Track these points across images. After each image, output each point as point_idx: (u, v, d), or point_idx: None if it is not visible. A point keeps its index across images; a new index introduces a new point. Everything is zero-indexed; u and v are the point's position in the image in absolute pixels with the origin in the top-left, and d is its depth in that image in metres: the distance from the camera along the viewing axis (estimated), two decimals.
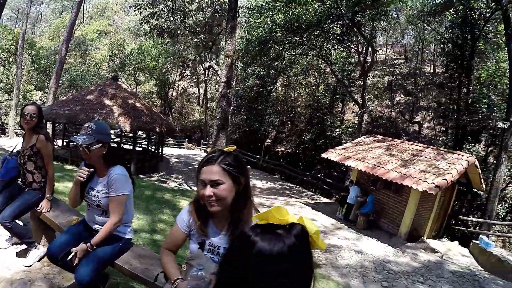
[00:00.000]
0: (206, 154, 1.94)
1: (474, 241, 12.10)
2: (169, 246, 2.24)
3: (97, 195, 2.81)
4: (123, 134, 22.64)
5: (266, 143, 32.45)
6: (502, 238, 17.62)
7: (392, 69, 36.40)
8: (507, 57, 16.36)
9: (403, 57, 42.74)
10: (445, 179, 10.21)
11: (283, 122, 33.90)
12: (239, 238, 1.01)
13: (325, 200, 18.07)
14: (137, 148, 22.10)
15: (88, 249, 2.69)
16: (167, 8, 23.66)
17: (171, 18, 23.84)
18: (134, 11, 24.36)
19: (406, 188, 11.00)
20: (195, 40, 25.22)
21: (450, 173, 10.59)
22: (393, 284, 7.33)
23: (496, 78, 19.98)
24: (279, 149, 33.23)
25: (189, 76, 47.08)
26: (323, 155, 14.98)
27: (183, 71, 40.06)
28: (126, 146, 22.99)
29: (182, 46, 32.84)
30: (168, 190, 12.90)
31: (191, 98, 46.04)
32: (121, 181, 2.78)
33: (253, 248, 0.91)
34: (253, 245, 0.92)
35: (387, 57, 42.27)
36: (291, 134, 33.04)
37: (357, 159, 13.22)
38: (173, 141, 36.42)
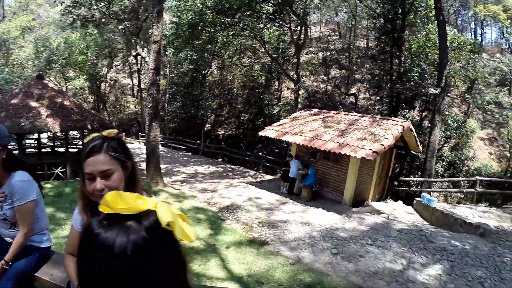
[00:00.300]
0: (84, 143, 1.69)
1: (417, 198, 12.55)
2: (69, 250, 2.09)
3: (0, 208, 2.52)
4: (55, 136, 21.20)
5: (206, 128, 32.00)
6: (444, 193, 18.65)
7: (326, 45, 36.87)
8: (436, 29, 17.08)
9: (337, 33, 43.54)
10: (381, 145, 10.48)
11: (221, 105, 33.61)
12: (85, 230, 0.88)
13: (268, 177, 18.13)
14: (72, 150, 20.87)
15: (4, 266, 2.43)
16: None
17: (95, 6, 22.32)
18: (55, 1, 22.54)
19: (345, 156, 11.19)
20: (120, 27, 23.89)
21: (386, 138, 10.87)
22: (343, 250, 7.40)
23: (426, 48, 20.96)
24: (220, 133, 32.97)
25: (121, 67, 45.18)
26: (261, 133, 14.96)
27: (112, 62, 38.07)
28: (60, 149, 21.45)
29: (110, 36, 31.13)
30: None
31: (125, 90, 44.33)
32: (24, 187, 2.50)
33: (95, 240, 0.80)
34: (95, 237, 0.80)
35: (321, 34, 42.81)
36: (230, 116, 32.85)
37: (294, 134, 13.28)
38: None
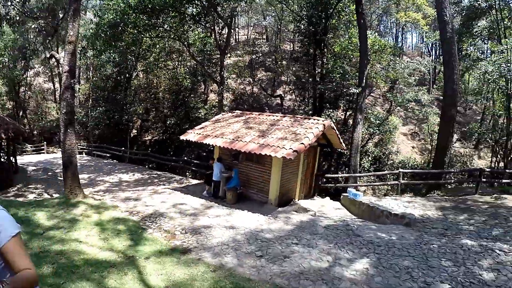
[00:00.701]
0: None
1: (343, 194, 12.78)
2: None
3: None
4: None
5: (132, 134, 30.96)
6: (372, 187, 19.38)
7: (253, 49, 37.07)
8: (358, 32, 17.71)
9: (265, 37, 43.98)
10: (302, 143, 10.56)
11: (147, 110, 32.74)
12: None
13: (194, 181, 17.82)
14: None
15: None
16: None
17: (9, 3, 20.57)
18: None
19: (267, 157, 11.14)
20: (33, 26, 22.26)
21: (307, 137, 10.96)
22: (267, 252, 7.22)
23: (349, 51, 21.78)
24: (147, 138, 32.04)
25: (42, 70, 42.37)
26: (182, 137, 14.61)
27: (28, 64, 35.35)
28: None
29: (26, 36, 28.97)
30: (23, 204, 11.31)
31: (46, 95, 41.61)
32: None
33: None
34: None
35: (248, 38, 43.03)
36: (157, 121, 32.07)
37: (215, 136, 13.12)
38: (31, 147, 32.62)
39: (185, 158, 22.84)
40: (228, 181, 12.84)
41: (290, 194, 12.80)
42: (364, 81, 16.62)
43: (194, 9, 20.67)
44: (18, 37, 29.76)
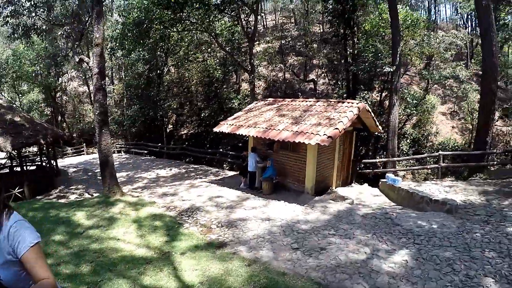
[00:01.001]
0: None
1: (382, 180, 12.33)
2: None
3: None
4: (13, 155, 20.09)
5: (168, 129, 31.35)
6: (411, 171, 18.66)
7: (281, 33, 36.55)
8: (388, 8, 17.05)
9: (293, 20, 43.21)
10: (336, 129, 10.20)
11: (182, 104, 32.99)
12: None
13: (231, 173, 17.76)
14: (31, 167, 20.13)
15: None
16: (29, 2, 21.05)
17: (33, 14, 21.23)
18: None
19: (302, 144, 10.79)
20: (59, 33, 22.89)
21: (342, 121, 10.59)
22: (303, 244, 7.05)
23: (380, 28, 20.83)
24: (183, 132, 32.29)
25: (76, 74, 43.64)
26: (215, 129, 14.46)
27: (60, 70, 36.44)
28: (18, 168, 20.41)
29: (56, 43, 29.88)
30: (64, 205, 11.64)
31: (82, 98, 42.84)
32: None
33: None
34: None
35: (276, 23, 42.48)
36: (191, 115, 32.25)
37: (248, 126, 12.86)
38: (71, 149, 33.70)
39: (221, 150, 22.85)
40: (264, 171, 12.66)
41: (327, 182, 12.49)
42: (398, 59, 15.90)
43: None
44: (47, 45, 30.76)
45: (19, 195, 14.79)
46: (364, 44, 20.99)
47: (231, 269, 6.00)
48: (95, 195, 13.57)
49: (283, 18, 44.43)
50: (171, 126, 33.32)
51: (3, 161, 21.15)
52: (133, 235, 8.10)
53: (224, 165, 23.23)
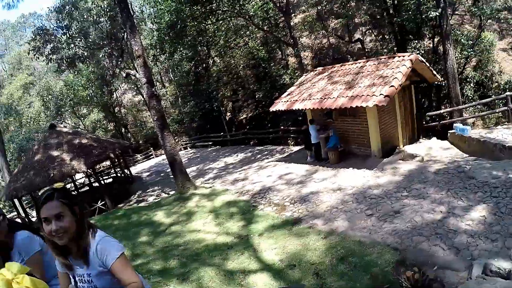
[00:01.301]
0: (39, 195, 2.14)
1: (450, 131, 11.85)
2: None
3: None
4: (89, 173, 21.63)
5: (227, 117, 31.88)
6: (480, 117, 17.58)
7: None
8: None
9: None
10: (392, 86, 9.90)
11: (235, 90, 33.24)
12: None
13: (296, 148, 17.68)
14: (108, 180, 21.82)
15: None
16: (66, 36, 22.34)
17: (72, 45, 22.49)
18: (34, 54, 22.94)
19: (360, 108, 10.58)
20: (101, 55, 24.07)
21: (396, 78, 10.25)
22: (377, 209, 7.05)
23: None
24: (242, 117, 32.57)
25: (128, 86, 45.44)
26: (272, 109, 14.49)
27: (109, 88, 38.06)
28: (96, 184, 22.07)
29: (102, 63, 31.32)
30: (144, 208, 12.60)
31: (139, 106, 44.59)
32: (27, 243, 2.80)
33: None
34: None
35: None
36: (246, 99, 32.42)
37: (303, 100, 12.75)
38: (141, 155, 35.47)
39: (282, 127, 22.91)
40: (327, 141, 12.57)
41: (393, 141, 12.16)
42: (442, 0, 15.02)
43: None
44: (94, 68, 32.41)
45: (102, 207, 16.15)
46: None
47: (308, 244, 6.17)
48: (171, 193, 14.30)
49: None
50: (229, 113, 33.78)
51: (82, 180, 22.73)
52: (212, 224, 8.55)
53: (289, 141, 23.27)
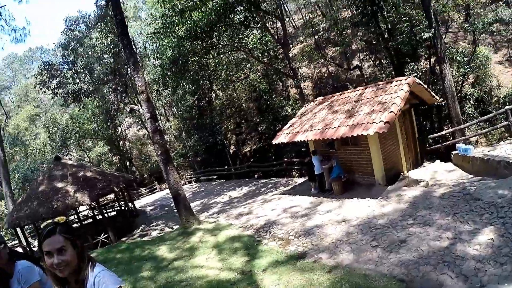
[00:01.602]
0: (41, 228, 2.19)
1: (453, 152, 11.72)
2: None
3: None
4: (93, 206, 21.67)
5: (231, 150, 31.94)
6: (482, 134, 17.31)
7: (312, 30, 36.04)
8: None
9: (319, 13, 42.40)
10: (391, 112, 9.92)
11: (238, 123, 33.41)
12: None
13: (300, 180, 17.55)
14: (112, 213, 22.01)
15: None
16: (71, 71, 22.90)
17: (77, 80, 23.04)
18: (41, 89, 23.49)
19: (361, 136, 10.52)
20: (105, 90, 24.58)
21: (395, 103, 10.27)
22: (382, 240, 6.90)
23: None
24: (246, 150, 32.60)
25: (132, 121, 45.98)
26: (274, 141, 14.52)
27: (114, 122, 38.60)
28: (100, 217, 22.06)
29: (106, 98, 31.87)
30: (147, 242, 12.51)
31: (144, 140, 44.94)
32: (27, 272, 2.85)
33: None
34: None
35: (305, 20, 41.97)
36: (250, 131, 32.53)
37: (305, 131, 12.81)
38: (145, 189, 35.53)
39: (286, 159, 22.84)
40: (331, 171, 12.44)
41: (397, 167, 12.02)
42: (433, 20, 14.94)
43: (240, 16, 20.74)
44: (99, 102, 33.09)
45: (105, 240, 16.00)
46: (395, 15, 20.10)
47: (312, 279, 6.00)
48: (174, 228, 14.24)
49: (309, 13, 43.64)
50: (233, 146, 33.87)
51: (85, 212, 22.74)
52: (215, 260, 8.41)
53: (293, 173, 23.17)
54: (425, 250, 5.87)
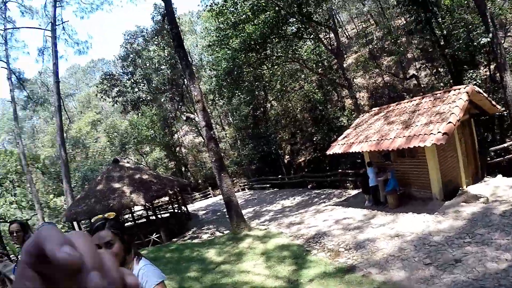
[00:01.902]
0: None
1: None
2: None
3: None
4: (147, 207, 22.53)
5: (285, 160, 31.97)
6: None
7: (367, 39, 35.37)
8: None
9: (372, 22, 41.56)
10: (450, 122, 9.48)
11: (293, 133, 33.44)
12: None
13: (354, 192, 17.15)
14: (165, 215, 22.92)
15: None
16: (130, 81, 24.05)
17: (136, 89, 24.20)
18: (102, 97, 24.82)
19: (418, 148, 10.14)
20: (162, 99, 25.56)
21: (453, 113, 9.83)
22: (436, 258, 6.62)
23: None
24: (300, 160, 32.50)
25: (189, 128, 47.26)
26: (328, 152, 14.38)
27: (170, 129, 40.02)
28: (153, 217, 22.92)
29: (164, 106, 33.10)
30: (197, 244, 12.82)
31: (199, 147, 46.02)
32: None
33: None
34: None
35: (358, 30, 41.34)
36: (304, 142, 32.44)
37: (360, 142, 12.60)
38: (199, 194, 36.47)
39: (340, 170, 22.49)
40: (386, 184, 12.13)
41: (456, 181, 11.46)
42: (490, 24, 13.98)
43: (293, 27, 20.80)
44: (157, 110, 34.57)
45: (157, 240, 16.56)
46: (450, 21, 19.21)
47: None
48: (225, 232, 14.46)
49: (362, 23, 42.84)
50: (288, 156, 33.89)
51: (140, 213, 23.64)
52: (262, 266, 8.45)
53: (347, 184, 22.76)
54: (481, 272, 5.57)
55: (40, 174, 36.24)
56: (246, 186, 33.20)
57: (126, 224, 21.58)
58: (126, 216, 24.22)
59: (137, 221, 20.96)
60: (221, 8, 20.12)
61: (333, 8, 22.28)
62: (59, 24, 24.38)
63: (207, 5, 21.25)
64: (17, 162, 32.29)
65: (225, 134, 41.57)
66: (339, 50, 22.13)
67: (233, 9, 20.03)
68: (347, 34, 44.21)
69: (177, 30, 13.87)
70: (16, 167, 32.60)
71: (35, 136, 67.97)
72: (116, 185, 16.95)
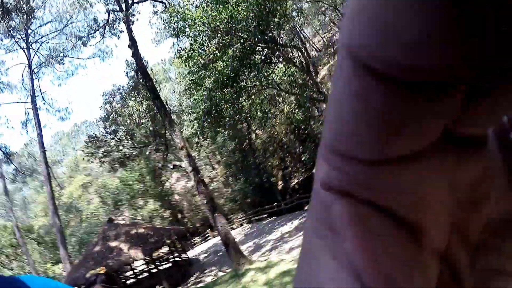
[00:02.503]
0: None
1: None
2: None
3: None
4: (147, 260, 22.38)
5: (279, 186, 31.94)
6: None
7: (334, 48, 35.77)
8: None
9: (337, 29, 41.79)
10: None
11: (282, 158, 33.44)
12: None
13: None
14: (166, 265, 22.15)
15: None
16: (114, 140, 24.44)
17: (121, 147, 24.57)
18: (88, 159, 25.17)
19: None
20: (147, 152, 25.95)
21: None
22: None
23: None
24: (293, 183, 32.46)
25: (179, 175, 47.28)
26: (314, 171, 14.42)
27: (161, 179, 40.30)
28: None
29: (150, 156, 33.38)
30: None
31: (193, 191, 45.85)
32: None
33: None
34: None
35: (325, 41, 41.53)
36: (294, 164, 32.44)
37: None
38: (198, 238, 36.35)
39: None
40: None
41: None
42: None
43: (262, 54, 21.35)
44: (144, 164, 35.19)
45: None
46: None
47: None
48: (227, 271, 14.39)
49: (326, 33, 43.12)
50: (281, 182, 33.81)
51: (142, 267, 23.45)
52: None
53: None
54: None
55: (35, 244, 36.13)
56: (244, 221, 32.96)
57: (127, 282, 21.44)
58: (128, 273, 23.99)
59: (138, 277, 20.70)
60: (189, 52, 20.60)
61: (296, 25, 22.76)
62: (38, 96, 24.92)
63: (175, 52, 21.82)
64: (11, 236, 32.17)
65: (216, 173, 41.62)
66: (308, 66, 22.57)
67: (201, 51, 20.51)
68: (316, 47, 44.49)
69: (151, 83, 14.43)
70: (10, 240, 32.43)
71: (27, 207, 67.47)
72: (113, 244, 17.01)
